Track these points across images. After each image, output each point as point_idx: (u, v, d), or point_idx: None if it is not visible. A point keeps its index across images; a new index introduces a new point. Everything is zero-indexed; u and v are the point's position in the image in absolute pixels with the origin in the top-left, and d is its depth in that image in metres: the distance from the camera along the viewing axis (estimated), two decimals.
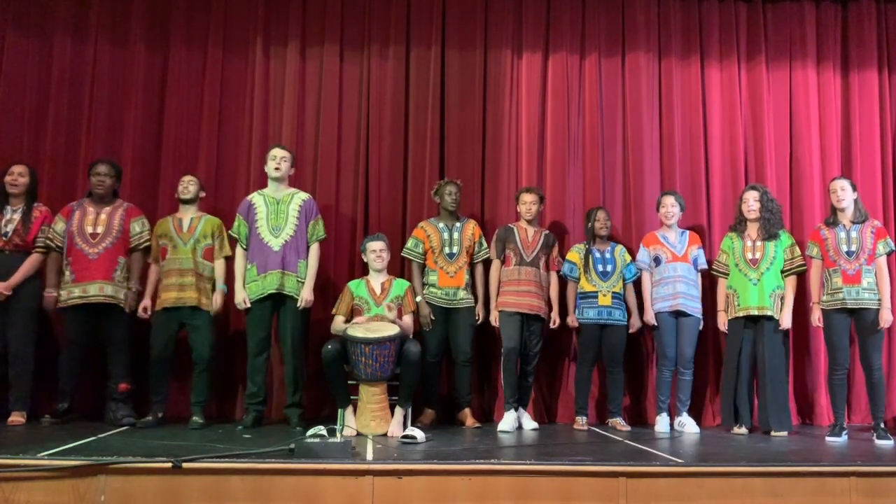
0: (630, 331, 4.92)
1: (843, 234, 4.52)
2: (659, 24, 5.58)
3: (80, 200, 4.66)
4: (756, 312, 4.63)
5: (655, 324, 4.82)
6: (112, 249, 4.50)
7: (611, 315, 4.83)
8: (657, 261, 4.87)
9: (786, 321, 4.64)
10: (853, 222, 4.53)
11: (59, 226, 4.54)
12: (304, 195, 4.73)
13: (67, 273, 4.47)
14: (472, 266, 4.95)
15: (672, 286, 4.78)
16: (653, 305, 4.84)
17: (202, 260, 4.62)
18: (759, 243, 4.71)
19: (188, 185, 4.68)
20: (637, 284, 4.98)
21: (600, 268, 4.87)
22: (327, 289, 5.07)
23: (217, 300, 4.62)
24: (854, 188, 4.59)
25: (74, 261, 4.46)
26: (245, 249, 4.65)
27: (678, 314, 4.77)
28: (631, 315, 4.93)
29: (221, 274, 4.69)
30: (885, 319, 4.39)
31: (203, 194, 4.79)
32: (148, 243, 4.66)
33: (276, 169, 4.63)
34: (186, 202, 4.68)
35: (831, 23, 5.61)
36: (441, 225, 4.93)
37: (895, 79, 5.59)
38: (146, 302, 4.58)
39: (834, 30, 5.61)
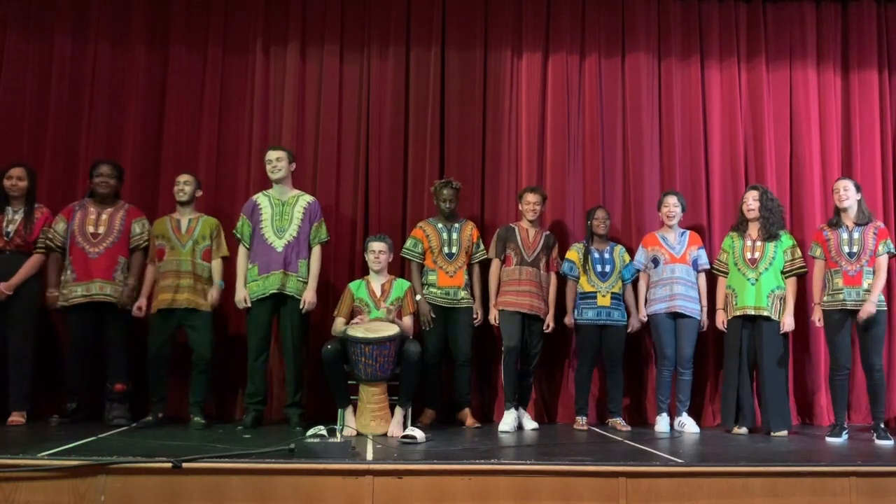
0: (629, 331, 4.92)
1: (845, 236, 4.51)
2: (659, 24, 5.58)
3: (81, 201, 4.66)
4: (752, 312, 4.63)
5: (646, 321, 4.84)
6: (112, 249, 4.51)
7: (610, 316, 4.83)
8: (655, 262, 4.87)
9: (788, 324, 4.64)
10: (856, 223, 4.52)
11: (60, 226, 4.55)
12: (308, 197, 4.73)
13: (69, 272, 4.48)
14: (469, 267, 4.95)
15: (669, 287, 4.78)
16: (650, 306, 4.84)
17: (201, 261, 4.62)
18: (758, 243, 4.71)
19: (184, 187, 4.67)
20: (636, 284, 4.98)
21: (599, 268, 4.86)
22: (327, 289, 5.06)
23: (213, 295, 4.61)
24: (858, 189, 4.58)
25: (75, 260, 4.46)
26: (248, 249, 4.64)
27: (677, 314, 4.77)
28: (630, 315, 4.93)
29: (218, 273, 4.69)
30: (866, 311, 4.36)
31: (199, 193, 4.78)
32: (146, 243, 4.66)
33: (275, 170, 4.63)
34: (184, 203, 4.69)
35: (831, 23, 5.61)
36: (440, 225, 4.93)
37: (895, 79, 5.59)
38: (141, 301, 4.57)
39: (834, 30, 5.61)
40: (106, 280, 4.45)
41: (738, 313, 4.68)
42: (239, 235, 4.68)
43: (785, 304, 4.67)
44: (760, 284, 4.63)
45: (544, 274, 4.89)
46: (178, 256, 4.57)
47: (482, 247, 4.99)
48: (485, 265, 4.97)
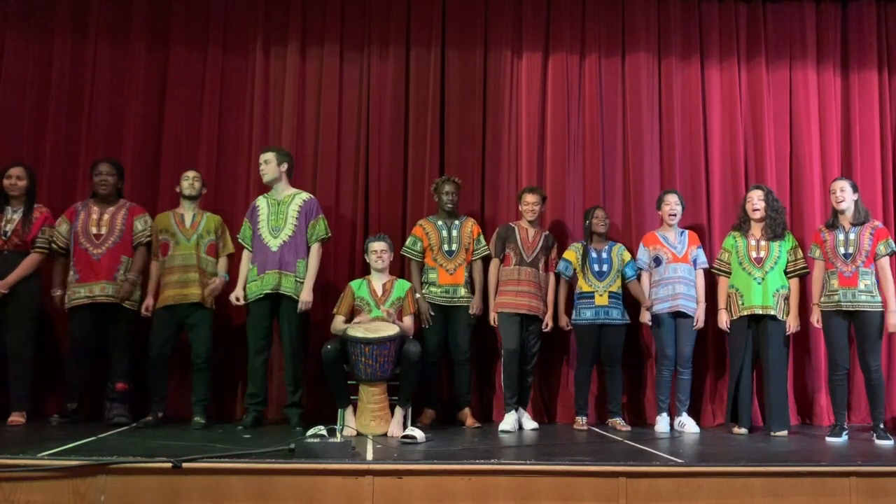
0: (643, 320, 4.86)
1: (841, 237, 4.51)
2: (659, 24, 5.58)
3: (84, 201, 4.67)
4: (760, 312, 4.62)
5: (650, 323, 4.83)
6: (115, 249, 4.50)
7: (608, 315, 4.82)
8: (657, 261, 4.87)
9: (794, 324, 4.64)
10: (853, 224, 4.53)
11: (64, 227, 4.56)
12: (305, 195, 4.72)
13: (72, 273, 4.48)
14: (470, 263, 4.95)
15: (672, 287, 4.78)
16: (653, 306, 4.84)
17: (205, 255, 4.62)
18: (763, 243, 4.71)
19: (193, 182, 4.68)
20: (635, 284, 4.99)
21: (596, 267, 4.86)
22: (327, 289, 5.07)
23: (216, 284, 4.57)
24: (855, 189, 4.58)
25: (78, 261, 4.47)
26: (251, 252, 4.65)
27: (677, 314, 4.77)
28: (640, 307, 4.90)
29: (224, 268, 4.72)
30: (893, 324, 4.36)
31: (204, 191, 4.80)
32: (149, 239, 4.65)
33: (263, 174, 4.66)
34: (189, 198, 4.68)
35: (831, 23, 5.61)
36: (440, 223, 4.94)
37: (895, 79, 5.59)
38: (149, 301, 4.57)
39: (834, 30, 5.61)
40: (109, 281, 4.46)
41: (744, 313, 4.67)
42: (241, 239, 4.70)
43: (789, 304, 4.67)
44: (767, 284, 4.63)
45: (543, 274, 4.89)
46: (184, 251, 4.57)
47: (483, 242, 4.98)
48: (486, 260, 4.97)
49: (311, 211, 4.68)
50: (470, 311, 4.84)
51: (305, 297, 4.53)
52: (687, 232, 4.97)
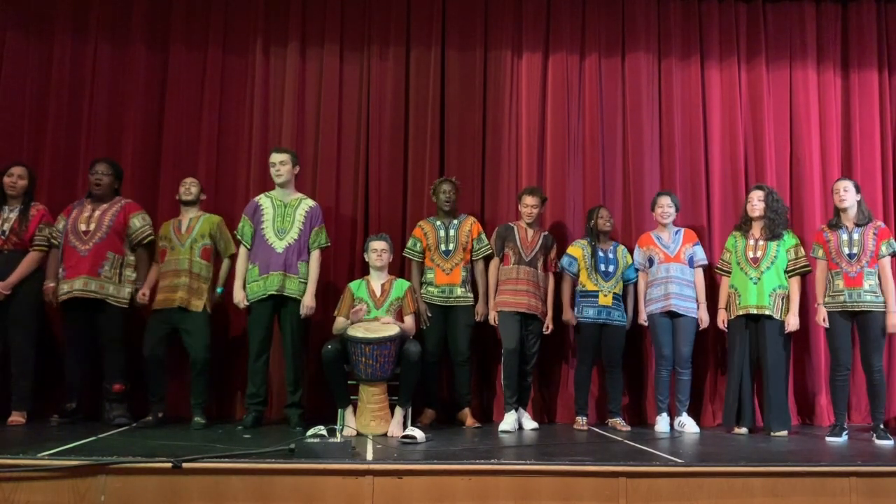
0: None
1: (845, 237, 4.51)
2: (659, 25, 5.59)
3: (81, 200, 4.67)
4: (755, 311, 4.63)
5: (647, 324, 4.83)
6: (101, 245, 4.48)
7: (610, 315, 4.82)
8: (650, 261, 4.87)
9: (793, 323, 4.63)
10: (856, 224, 4.52)
11: (61, 224, 4.56)
12: (311, 202, 4.74)
13: (61, 270, 4.49)
14: (472, 263, 4.95)
15: (664, 287, 4.78)
16: (647, 306, 4.85)
17: (199, 259, 4.62)
18: (761, 242, 4.71)
19: (190, 187, 4.70)
20: (635, 285, 4.98)
21: (603, 267, 4.86)
22: (328, 289, 5.06)
23: (211, 301, 4.63)
24: (858, 189, 4.58)
25: (66, 257, 4.48)
26: (248, 250, 4.65)
27: (673, 314, 4.77)
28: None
29: (224, 274, 4.71)
30: (893, 325, 4.35)
31: (203, 196, 4.80)
32: (151, 237, 4.67)
33: (278, 175, 4.65)
34: (188, 203, 4.70)
35: (831, 23, 5.61)
36: (438, 222, 4.95)
37: (895, 79, 5.60)
38: (144, 289, 4.58)
39: (834, 30, 5.61)
40: (91, 276, 4.43)
41: (741, 312, 4.67)
42: (240, 236, 4.69)
43: (788, 303, 4.66)
44: (762, 283, 4.63)
45: (542, 274, 4.89)
46: (178, 256, 4.59)
47: (485, 241, 4.98)
48: (488, 261, 4.96)
49: (315, 218, 4.69)
50: (476, 319, 4.84)
51: (309, 301, 4.53)
52: (683, 230, 4.97)
